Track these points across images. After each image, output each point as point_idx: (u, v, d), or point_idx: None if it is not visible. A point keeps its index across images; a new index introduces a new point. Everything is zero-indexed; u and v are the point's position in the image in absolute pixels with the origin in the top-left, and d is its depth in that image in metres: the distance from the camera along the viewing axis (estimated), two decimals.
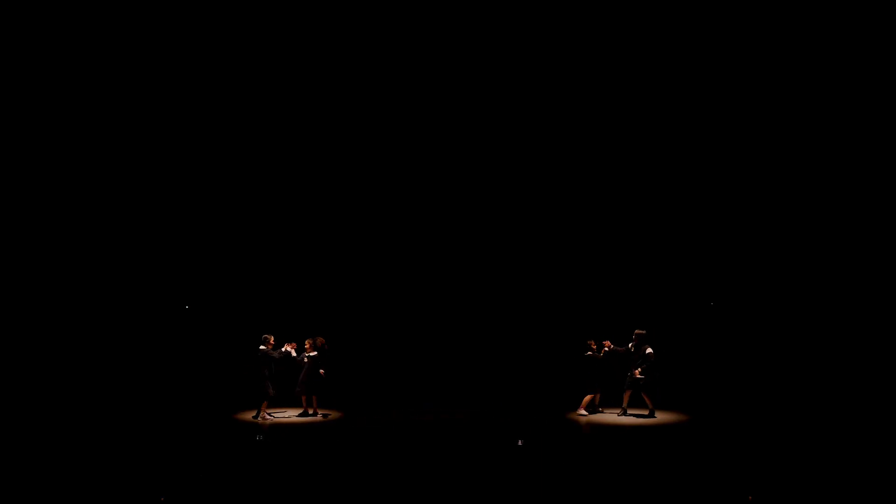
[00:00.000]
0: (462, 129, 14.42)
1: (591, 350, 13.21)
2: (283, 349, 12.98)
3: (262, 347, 12.81)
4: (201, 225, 14.67)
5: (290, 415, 12.20)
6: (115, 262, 14.43)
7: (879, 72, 13.67)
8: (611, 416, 12.37)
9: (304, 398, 12.89)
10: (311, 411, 12.75)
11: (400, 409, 10.74)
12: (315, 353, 12.91)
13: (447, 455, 9.07)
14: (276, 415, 12.39)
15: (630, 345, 13.22)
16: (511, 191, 14.49)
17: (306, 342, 13.08)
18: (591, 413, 12.94)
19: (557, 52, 14.06)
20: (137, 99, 14.01)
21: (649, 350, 13.09)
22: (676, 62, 13.98)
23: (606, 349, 13.34)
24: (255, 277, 14.74)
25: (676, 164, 14.43)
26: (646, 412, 13.00)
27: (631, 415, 12.59)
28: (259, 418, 12.45)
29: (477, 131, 14.42)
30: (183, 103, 14.06)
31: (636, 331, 13.23)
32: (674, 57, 13.96)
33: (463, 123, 14.41)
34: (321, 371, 12.64)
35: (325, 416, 12.71)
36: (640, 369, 13.04)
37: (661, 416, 12.38)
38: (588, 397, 13.12)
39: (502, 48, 14.15)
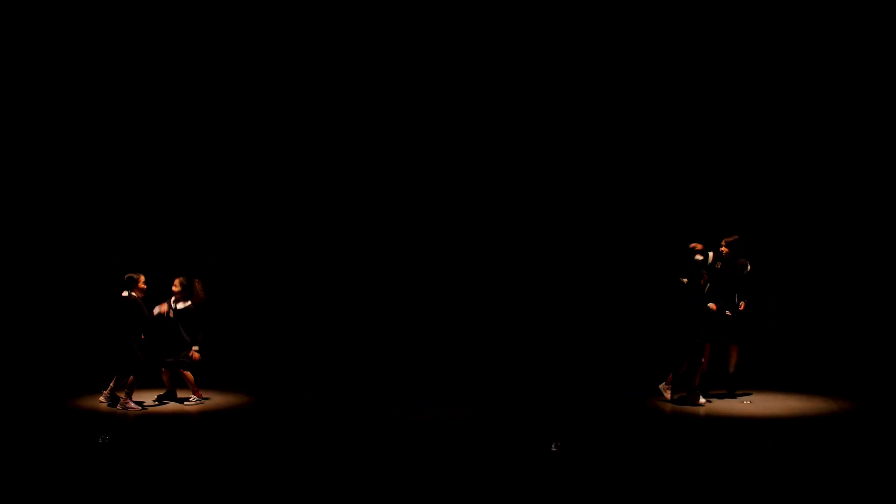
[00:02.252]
0: (460, 127, 14.37)
1: (700, 269, 9.60)
2: (155, 311, 10.54)
3: (128, 295, 10.24)
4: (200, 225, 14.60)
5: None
6: None
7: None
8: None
9: (165, 372, 10.62)
10: (192, 398, 10.67)
11: (400, 409, 10.62)
12: (188, 302, 10.74)
13: (447, 455, 9.00)
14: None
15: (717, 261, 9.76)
16: (511, 191, 14.40)
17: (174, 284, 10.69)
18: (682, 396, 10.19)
19: (553, 52, 14.02)
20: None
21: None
22: (668, 61, 13.91)
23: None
24: (258, 275, 14.65)
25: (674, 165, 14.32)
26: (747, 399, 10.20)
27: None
28: (119, 405, 10.31)
29: (475, 130, 14.36)
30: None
31: (726, 238, 10.09)
32: (666, 56, 13.89)
33: (458, 123, 14.36)
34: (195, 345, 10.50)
35: (203, 399, 10.75)
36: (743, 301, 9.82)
37: (800, 404, 10.35)
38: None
39: (501, 48, 14.12)
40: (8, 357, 12.91)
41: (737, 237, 10.52)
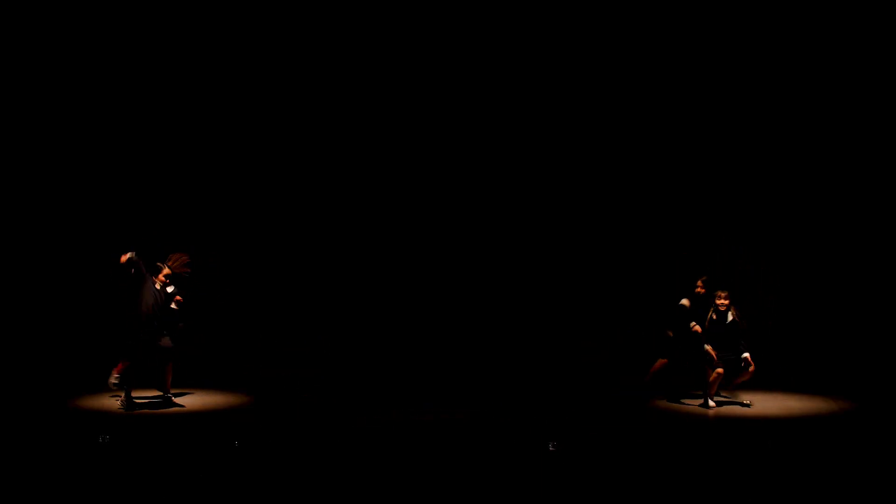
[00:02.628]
0: (460, 127, 14.33)
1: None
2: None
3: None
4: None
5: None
6: None
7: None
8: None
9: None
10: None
11: (400, 409, 10.58)
12: (172, 287, 10.40)
13: (447, 456, 8.97)
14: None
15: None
16: (511, 192, 14.36)
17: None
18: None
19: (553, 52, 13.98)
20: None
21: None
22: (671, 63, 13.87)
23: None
24: (258, 275, 14.62)
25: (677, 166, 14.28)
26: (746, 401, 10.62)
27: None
28: (119, 404, 10.26)
29: (475, 131, 14.32)
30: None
31: (700, 279, 10.94)
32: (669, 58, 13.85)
33: (458, 123, 14.32)
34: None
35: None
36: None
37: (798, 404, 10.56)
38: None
39: (501, 50, 14.08)
40: (8, 357, 12.89)
41: (706, 277, 11.07)
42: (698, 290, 11.00)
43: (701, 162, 13.82)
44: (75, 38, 13.61)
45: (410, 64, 13.94)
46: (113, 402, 10.87)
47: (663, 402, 10.99)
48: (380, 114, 14.11)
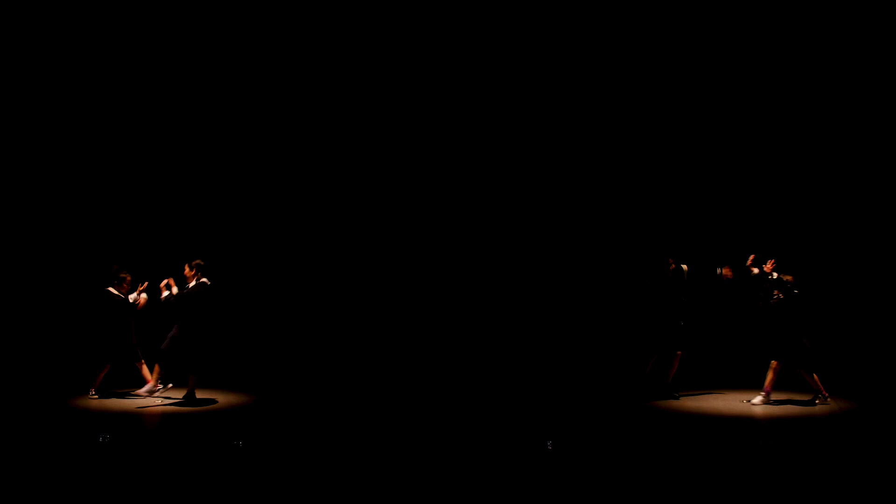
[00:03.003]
0: (461, 129, 14.34)
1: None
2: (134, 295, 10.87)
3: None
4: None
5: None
6: None
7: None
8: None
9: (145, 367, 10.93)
10: (158, 387, 10.77)
11: (400, 409, 10.56)
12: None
13: (447, 455, 8.95)
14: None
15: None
16: (510, 192, 14.38)
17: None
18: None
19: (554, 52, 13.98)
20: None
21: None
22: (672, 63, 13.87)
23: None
24: (258, 276, 14.62)
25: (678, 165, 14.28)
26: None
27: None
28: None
29: (476, 132, 14.33)
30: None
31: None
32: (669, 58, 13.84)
33: (459, 125, 14.33)
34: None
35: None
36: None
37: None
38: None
39: (501, 49, 14.09)
40: (8, 357, 12.90)
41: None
42: (671, 266, 11.25)
43: (701, 163, 13.82)
44: (75, 40, 13.63)
45: (410, 65, 13.96)
46: (112, 403, 10.88)
47: (664, 403, 11.00)
48: (379, 115, 14.12)
